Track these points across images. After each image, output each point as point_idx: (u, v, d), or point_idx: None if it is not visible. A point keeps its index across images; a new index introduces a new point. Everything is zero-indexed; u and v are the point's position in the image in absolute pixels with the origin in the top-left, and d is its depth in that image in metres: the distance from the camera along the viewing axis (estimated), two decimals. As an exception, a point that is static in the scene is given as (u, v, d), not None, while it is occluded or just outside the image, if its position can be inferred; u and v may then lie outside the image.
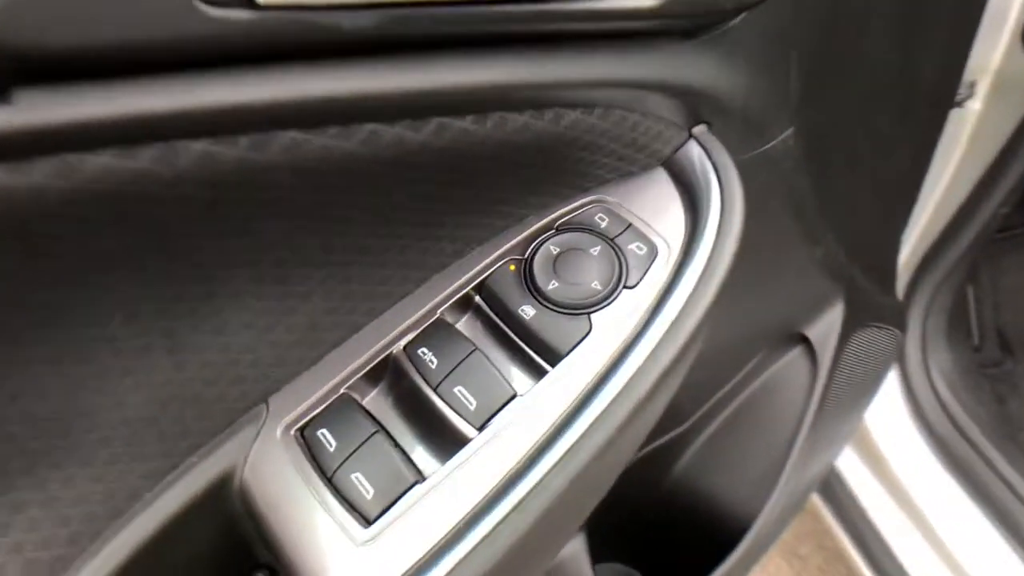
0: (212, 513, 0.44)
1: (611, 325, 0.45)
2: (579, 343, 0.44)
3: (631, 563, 0.92)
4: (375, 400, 0.46)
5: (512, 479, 0.41)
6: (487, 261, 0.48)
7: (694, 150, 0.50)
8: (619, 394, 0.42)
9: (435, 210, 0.43)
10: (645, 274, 0.46)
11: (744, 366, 0.79)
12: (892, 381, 1.37)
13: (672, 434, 0.79)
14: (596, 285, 0.46)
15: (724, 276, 0.46)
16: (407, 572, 0.40)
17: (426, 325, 0.46)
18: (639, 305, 0.45)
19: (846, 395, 0.89)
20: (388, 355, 0.45)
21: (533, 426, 0.42)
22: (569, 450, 0.41)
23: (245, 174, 0.33)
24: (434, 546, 0.40)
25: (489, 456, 0.42)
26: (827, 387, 0.82)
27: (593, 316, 0.45)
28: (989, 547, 1.22)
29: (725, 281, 0.46)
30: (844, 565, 1.46)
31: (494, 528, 0.40)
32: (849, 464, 1.38)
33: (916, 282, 1.34)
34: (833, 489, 1.41)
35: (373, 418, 0.45)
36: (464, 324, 0.48)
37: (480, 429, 0.42)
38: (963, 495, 1.28)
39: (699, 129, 0.50)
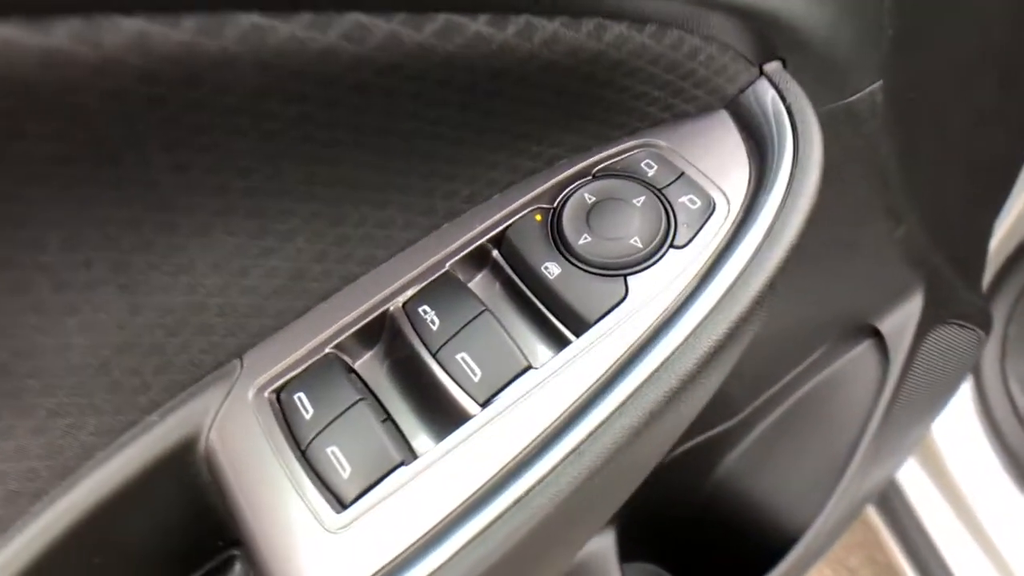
0: (175, 480, 0.39)
1: (651, 290, 0.37)
2: (611, 310, 0.37)
3: (663, 564, 0.84)
4: (368, 364, 0.40)
5: (518, 466, 0.34)
6: (508, 209, 0.41)
7: (765, 91, 0.41)
8: (655, 374, 0.35)
9: (444, 140, 0.36)
10: (697, 233, 0.39)
11: (806, 357, 0.70)
12: (965, 388, 1.26)
13: (719, 429, 0.71)
14: (636, 242, 0.38)
15: (793, 242, 0.38)
16: (383, 569, 0.33)
17: (431, 279, 0.39)
18: (687, 269, 0.38)
19: (918, 399, 0.79)
20: (384, 312, 0.39)
21: (548, 405, 0.35)
22: (589, 436, 0.34)
23: (192, 66, 0.26)
24: (418, 540, 0.33)
25: (492, 437, 0.35)
26: (898, 388, 0.73)
27: (630, 279, 0.38)
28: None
29: (794, 249, 0.38)
30: (896, 582, 1.35)
31: (491, 523, 0.33)
32: (910, 474, 1.28)
33: (1000, 279, 1.22)
34: (890, 500, 1.31)
35: (363, 383, 0.38)
36: (478, 283, 0.41)
37: (484, 405, 0.36)
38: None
39: (772, 66, 0.42)
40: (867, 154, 0.54)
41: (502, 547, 0.33)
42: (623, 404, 0.34)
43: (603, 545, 0.72)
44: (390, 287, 0.39)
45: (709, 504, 0.76)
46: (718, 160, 0.41)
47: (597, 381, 0.35)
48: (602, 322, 0.37)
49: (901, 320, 0.70)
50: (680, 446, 0.69)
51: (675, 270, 0.38)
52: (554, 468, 0.33)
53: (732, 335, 0.36)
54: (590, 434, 0.34)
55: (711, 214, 0.39)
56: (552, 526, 0.34)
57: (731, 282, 0.37)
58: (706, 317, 0.36)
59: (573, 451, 0.34)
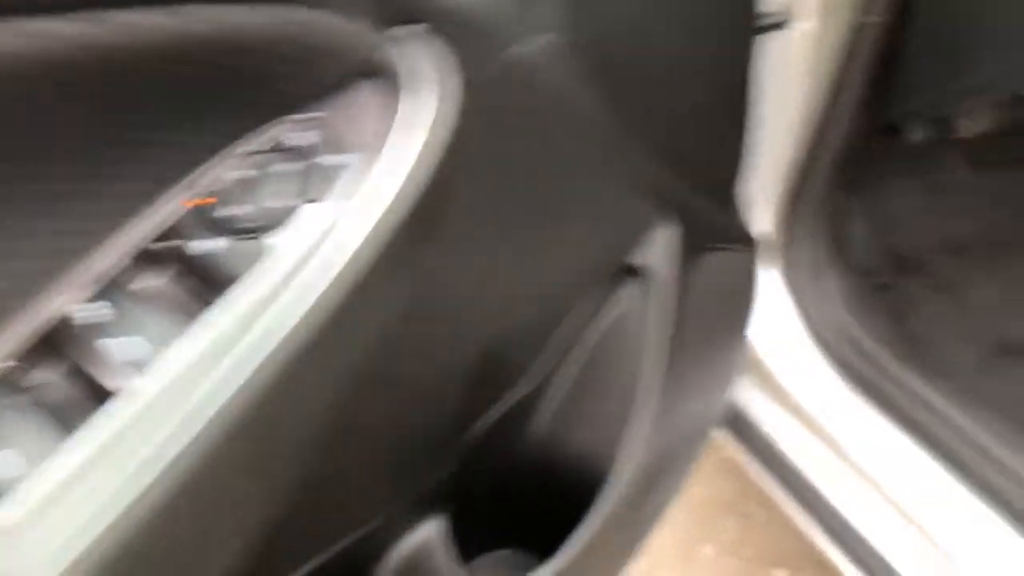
0: None
1: (288, 246, 0.38)
2: (250, 269, 0.38)
3: (519, 546, 0.84)
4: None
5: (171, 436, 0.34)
6: (160, 207, 0.41)
7: (402, 54, 0.43)
8: (297, 325, 0.35)
9: (83, 152, 0.35)
10: (332, 187, 0.40)
11: (570, 307, 0.73)
12: (789, 313, 1.33)
13: (515, 399, 0.73)
14: (277, 204, 0.40)
15: (431, 181, 0.40)
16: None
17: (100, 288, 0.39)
18: (323, 220, 0.39)
19: (706, 326, 0.83)
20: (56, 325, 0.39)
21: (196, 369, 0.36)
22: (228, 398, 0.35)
23: None
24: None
25: (149, 414, 0.35)
26: (677, 319, 0.76)
27: (269, 239, 0.39)
28: (907, 465, 1.19)
29: (442, 187, 0.40)
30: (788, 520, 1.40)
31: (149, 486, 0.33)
32: (762, 409, 1.34)
33: (794, 212, 1.30)
34: (753, 440, 1.36)
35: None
36: (148, 280, 0.41)
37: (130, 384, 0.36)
38: (876, 416, 1.24)
39: (407, 30, 0.44)
40: (561, 105, 0.57)
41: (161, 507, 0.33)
42: (264, 356, 0.35)
43: (436, 546, 0.71)
44: (58, 303, 0.39)
45: (531, 473, 0.77)
46: (358, 124, 0.43)
47: (246, 333, 0.36)
48: (244, 281, 0.38)
49: (660, 253, 0.73)
50: (478, 422, 0.69)
51: (310, 224, 0.39)
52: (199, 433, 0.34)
53: (376, 273, 0.37)
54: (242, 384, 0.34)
55: (347, 169, 0.40)
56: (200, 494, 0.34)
57: (372, 228, 0.38)
58: (352, 257, 0.37)
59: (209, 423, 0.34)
